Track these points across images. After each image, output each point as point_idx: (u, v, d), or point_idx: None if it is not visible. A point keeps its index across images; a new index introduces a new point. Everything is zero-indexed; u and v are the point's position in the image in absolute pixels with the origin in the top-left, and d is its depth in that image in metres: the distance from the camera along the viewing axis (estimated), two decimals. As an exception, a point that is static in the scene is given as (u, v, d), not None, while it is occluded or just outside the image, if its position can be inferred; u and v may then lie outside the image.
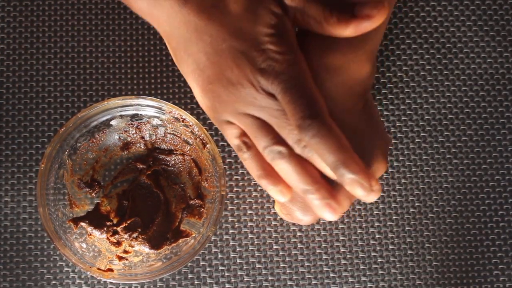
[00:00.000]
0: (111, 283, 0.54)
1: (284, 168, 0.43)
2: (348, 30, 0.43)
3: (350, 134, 0.43)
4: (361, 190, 0.41)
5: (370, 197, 0.42)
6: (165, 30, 0.45)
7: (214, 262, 0.55)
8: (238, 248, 0.55)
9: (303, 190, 0.43)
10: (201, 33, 0.43)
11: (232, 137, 0.45)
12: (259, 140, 0.43)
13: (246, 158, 0.45)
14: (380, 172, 0.48)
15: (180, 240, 0.53)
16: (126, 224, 0.52)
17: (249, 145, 0.44)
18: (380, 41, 0.49)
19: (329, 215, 0.43)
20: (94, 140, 0.54)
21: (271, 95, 0.42)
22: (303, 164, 0.43)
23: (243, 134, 0.44)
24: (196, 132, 0.52)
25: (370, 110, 0.48)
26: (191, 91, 0.57)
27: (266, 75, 0.42)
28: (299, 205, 0.47)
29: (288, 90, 0.41)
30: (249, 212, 0.56)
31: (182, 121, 0.52)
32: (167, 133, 0.54)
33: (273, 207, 0.56)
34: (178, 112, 0.51)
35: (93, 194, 0.54)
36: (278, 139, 0.43)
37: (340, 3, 0.43)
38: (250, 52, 0.42)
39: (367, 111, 0.47)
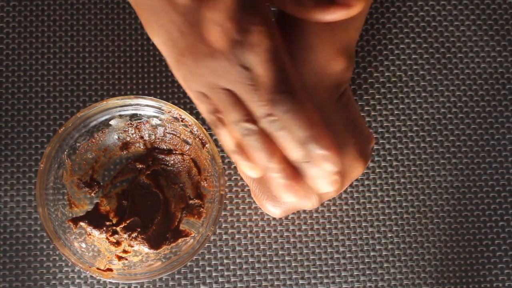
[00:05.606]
0: (110, 282, 0.54)
1: (252, 144, 0.42)
2: (324, 16, 0.42)
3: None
4: (330, 165, 0.40)
5: (331, 182, 0.41)
6: (136, 1, 0.43)
7: (213, 262, 0.55)
8: (237, 248, 0.55)
9: (268, 168, 0.42)
10: (173, 3, 0.41)
11: (205, 112, 0.44)
12: (230, 115, 0.42)
13: (220, 134, 0.44)
14: (355, 170, 0.47)
15: (180, 240, 0.53)
16: (126, 224, 0.52)
17: (223, 122, 0.43)
18: (356, 37, 0.49)
19: (289, 197, 0.42)
20: (93, 140, 0.54)
21: (245, 68, 0.41)
22: (271, 143, 0.43)
23: (217, 109, 0.43)
24: (195, 132, 0.52)
25: (348, 105, 0.47)
26: (190, 91, 0.57)
27: (239, 46, 0.40)
28: (269, 197, 0.47)
29: (262, 62, 0.40)
30: (248, 211, 0.56)
31: (181, 121, 0.52)
32: (166, 132, 0.54)
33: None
34: (177, 111, 0.51)
35: (93, 194, 0.54)
36: (248, 116, 0.42)
37: None
38: (224, 23, 0.40)
39: (343, 106, 0.46)
